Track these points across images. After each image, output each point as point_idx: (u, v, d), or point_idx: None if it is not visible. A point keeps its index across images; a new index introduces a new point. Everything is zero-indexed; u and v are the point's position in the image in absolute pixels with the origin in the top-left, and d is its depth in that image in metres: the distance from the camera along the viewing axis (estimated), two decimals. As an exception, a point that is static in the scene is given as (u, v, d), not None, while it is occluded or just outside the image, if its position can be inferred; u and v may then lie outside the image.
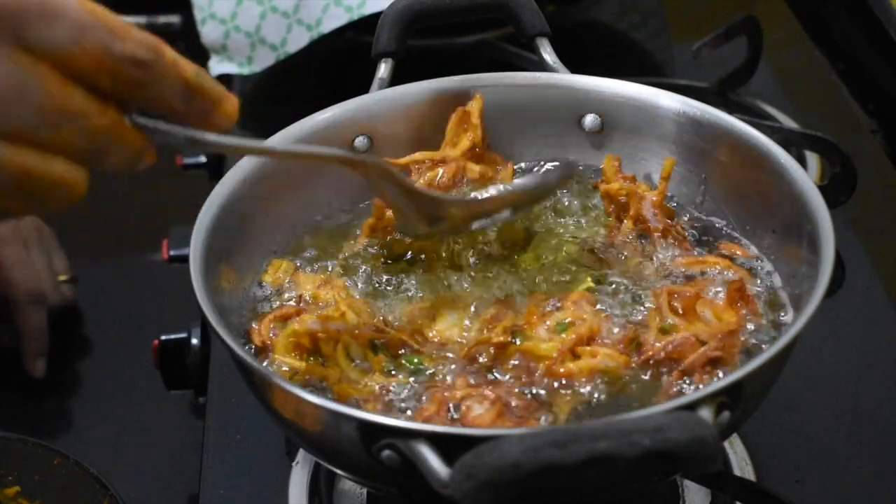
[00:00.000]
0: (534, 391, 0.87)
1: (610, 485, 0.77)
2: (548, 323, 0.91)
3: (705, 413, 0.77)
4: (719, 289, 0.94)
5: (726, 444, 1.04)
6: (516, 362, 0.89)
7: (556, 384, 0.87)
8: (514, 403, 0.85)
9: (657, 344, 0.88)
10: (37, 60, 0.69)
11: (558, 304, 0.93)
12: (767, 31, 1.45)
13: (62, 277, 1.34)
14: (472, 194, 1.00)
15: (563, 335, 0.89)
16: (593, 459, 0.69)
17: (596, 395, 0.87)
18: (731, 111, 1.05)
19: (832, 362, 1.14)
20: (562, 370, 0.87)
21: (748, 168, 1.00)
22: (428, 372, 0.89)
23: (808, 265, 0.90)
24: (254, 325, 0.94)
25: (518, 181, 1.04)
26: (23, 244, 1.30)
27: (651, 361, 0.88)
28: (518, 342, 0.90)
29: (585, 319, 0.91)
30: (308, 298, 0.95)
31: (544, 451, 0.68)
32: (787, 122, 1.43)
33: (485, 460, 0.69)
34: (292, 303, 0.96)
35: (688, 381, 0.86)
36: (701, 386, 0.85)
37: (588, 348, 0.89)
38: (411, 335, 0.91)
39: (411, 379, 0.88)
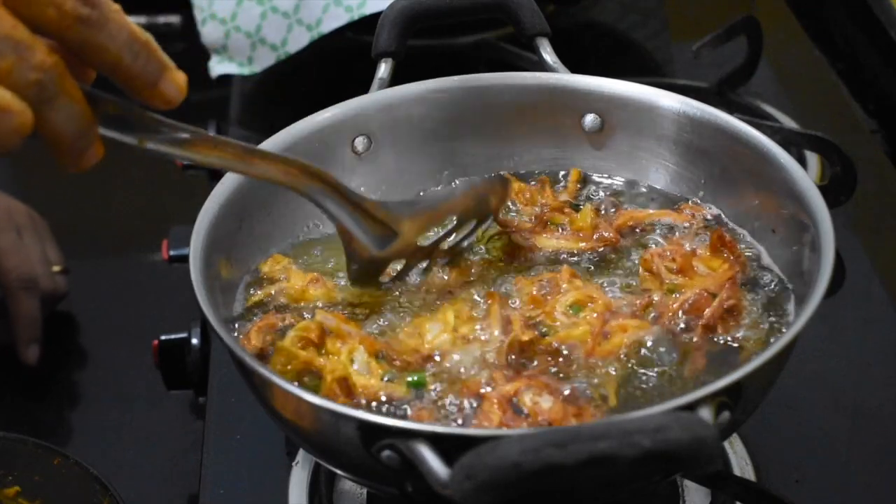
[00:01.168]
0: (572, 378, 0.88)
1: (610, 485, 0.77)
2: (558, 308, 0.92)
3: (705, 413, 0.77)
4: (695, 245, 0.98)
5: (726, 444, 1.04)
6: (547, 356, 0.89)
7: (594, 366, 0.88)
8: (566, 392, 0.85)
9: (674, 304, 0.91)
10: None
11: (548, 287, 0.94)
12: (767, 31, 1.45)
13: (55, 268, 1.34)
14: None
15: (581, 316, 0.91)
16: (593, 459, 0.68)
17: (633, 367, 0.88)
18: (731, 111, 1.05)
19: (832, 362, 1.14)
20: (600, 350, 0.88)
21: (748, 168, 1.00)
22: (433, 388, 0.88)
23: (808, 265, 0.90)
24: (242, 337, 0.94)
25: (456, 187, 1.04)
26: (16, 231, 1.30)
27: (671, 323, 0.90)
28: (547, 333, 0.90)
29: (595, 297, 0.92)
30: (285, 303, 0.96)
31: (544, 451, 0.68)
32: (787, 122, 1.43)
33: (485, 460, 0.69)
34: (274, 307, 0.97)
35: (713, 337, 0.90)
36: (728, 337, 0.90)
37: (616, 324, 0.90)
38: (411, 353, 0.90)
39: (412, 392, 0.88)
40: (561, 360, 0.89)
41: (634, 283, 0.96)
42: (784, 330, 0.90)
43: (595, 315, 0.91)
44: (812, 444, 1.07)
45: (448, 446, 0.75)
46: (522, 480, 0.68)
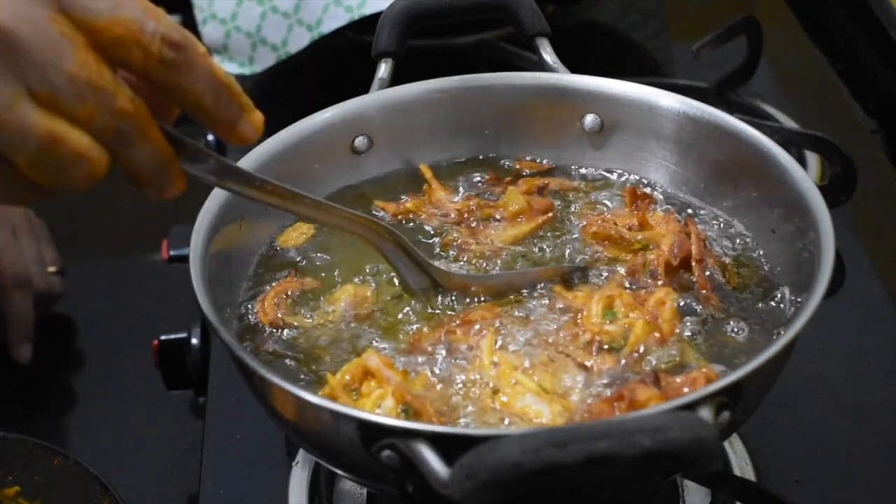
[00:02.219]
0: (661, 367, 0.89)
1: (610, 485, 0.77)
2: (596, 321, 0.92)
3: (705, 413, 0.77)
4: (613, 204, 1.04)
5: (726, 444, 1.04)
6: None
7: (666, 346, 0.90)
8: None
9: (665, 252, 0.95)
10: (75, 28, 0.71)
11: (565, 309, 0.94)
12: (767, 31, 1.45)
13: (51, 269, 1.34)
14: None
15: (617, 317, 0.92)
16: (593, 459, 0.68)
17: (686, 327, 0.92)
18: (731, 111, 1.05)
19: (832, 362, 1.14)
20: (666, 332, 0.91)
21: (748, 168, 1.00)
22: None
23: (808, 265, 0.90)
24: (255, 306, 0.95)
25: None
26: (11, 230, 1.30)
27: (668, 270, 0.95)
28: (618, 348, 0.90)
29: (611, 294, 0.93)
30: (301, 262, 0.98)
31: (544, 451, 0.68)
32: (787, 122, 1.43)
33: (485, 460, 0.69)
34: (285, 274, 0.98)
35: (708, 273, 0.95)
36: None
37: (652, 302, 0.92)
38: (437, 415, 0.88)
39: None
40: (639, 359, 0.90)
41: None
42: (783, 330, 0.90)
43: (625, 308, 0.92)
44: (812, 444, 1.07)
45: (448, 446, 0.75)
46: (523, 480, 0.68)
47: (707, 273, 0.96)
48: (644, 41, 1.68)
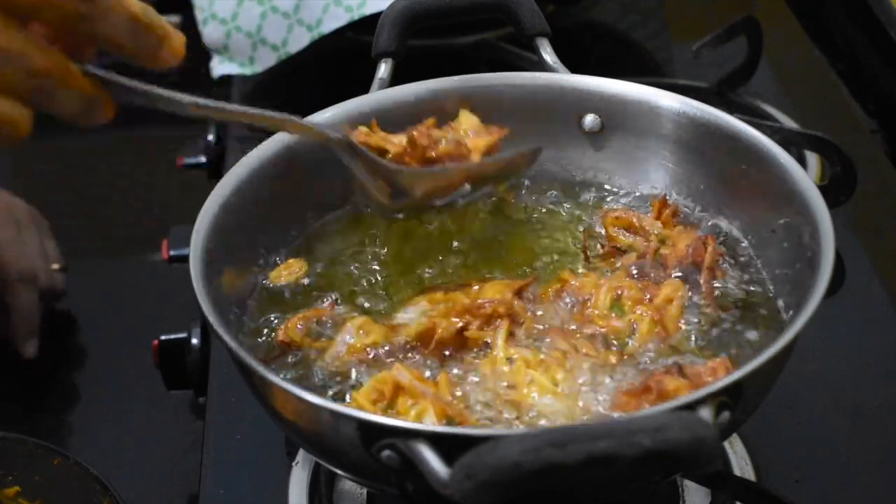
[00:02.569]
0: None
1: (610, 485, 0.77)
2: (602, 314, 0.93)
3: (705, 413, 0.77)
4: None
5: (726, 444, 1.04)
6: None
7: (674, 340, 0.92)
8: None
9: (682, 249, 0.97)
10: None
11: (574, 299, 0.95)
12: (767, 31, 1.45)
13: (54, 266, 1.34)
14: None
15: (624, 311, 0.93)
16: (593, 459, 0.68)
17: (690, 322, 0.93)
18: (731, 111, 1.05)
19: (832, 362, 1.14)
20: (670, 328, 0.92)
21: (748, 168, 1.00)
22: None
23: (808, 265, 0.90)
24: (279, 324, 0.95)
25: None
26: (15, 226, 1.30)
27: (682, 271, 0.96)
28: (624, 344, 0.91)
29: (620, 286, 0.94)
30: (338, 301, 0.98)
31: (544, 451, 0.68)
32: (787, 122, 1.43)
33: (485, 460, 0.69)
34: (325, 304, 0.98)
35: (715, 282, 0.96)
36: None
37: (660, 299, 0.93)
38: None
39: None
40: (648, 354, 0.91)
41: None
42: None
43: (631, 303, 0.93)
44: (812, 444, 1.07)
45: (448, 446, 0.75)
46: (523, 480, 0.68)
47: (715, 284, 0.96)
48: (644, 41, 1.68)
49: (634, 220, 1.01)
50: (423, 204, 0.98)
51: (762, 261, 0.99)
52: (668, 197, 1.04)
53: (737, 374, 0.79)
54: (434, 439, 0.76)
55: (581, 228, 1.04)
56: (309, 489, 1.02)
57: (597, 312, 0.93)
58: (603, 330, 0.92)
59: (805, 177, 0.94)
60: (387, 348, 0.92)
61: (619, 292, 0.94)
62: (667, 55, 1.67)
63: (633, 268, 0.97)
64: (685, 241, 0.98)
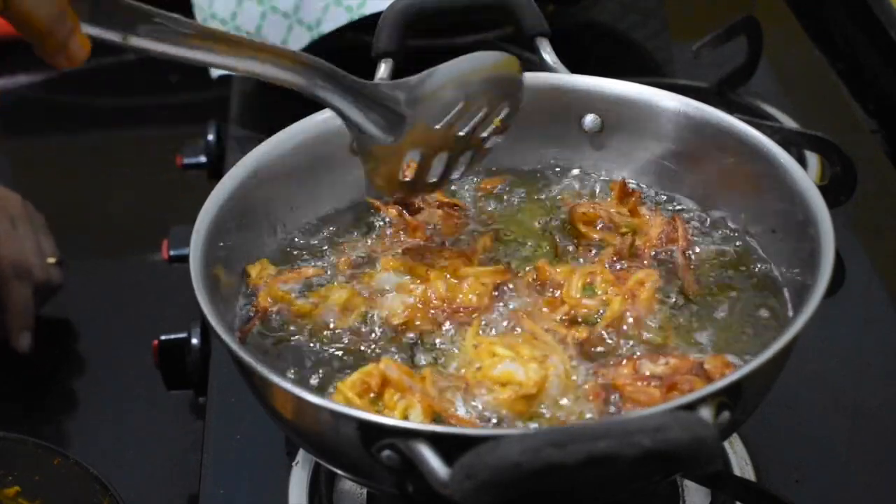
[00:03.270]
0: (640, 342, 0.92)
1: (610, 485, 0.77)
2: (575, 296, 0.94)
3: (705, 413, 0.77)
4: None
5: (726, 444, 1.04)
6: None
7: (645, 324, 0.93)
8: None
9: (654, 238, 0.99)
10: None
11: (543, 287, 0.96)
12: (767, 31, 1.45)
13: (50, 259, 1.34)
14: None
15: (600, 292, 0.94)
16: (593, 459, 0.68)
17: (665, 306, 0.94)
18: (731, 111, 1.05)
19: (832, 362, 1.14)
20: (644, 311, 0.93)
21: (748, 168, 1.00)
22: None
23: (808, 265, 0.90)
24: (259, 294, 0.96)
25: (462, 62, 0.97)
26: (10, 221, 1.30)
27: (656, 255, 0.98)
28: (596, 321, 0.92)
29: (594, 271, 0.95)
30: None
31: (544, 451, 0.68)
32: (787, 122, 1.43)
33: (485, 460, 0.69)
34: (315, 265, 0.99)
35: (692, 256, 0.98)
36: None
37: (633, 281, 0.94)
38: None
39: None
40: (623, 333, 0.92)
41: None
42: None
43: (604, 285, 0.94)
44: (812, 444, 1.07)
45: (448, 446, 0.75)
46: (523, 480, 0.68)
47: (691, 265, 0.98)
48: (644, 41, 1.68)
49: (603, 213, 1.02)
50: (424, 132, 0.94)
51: (762, 260, 0.99)
52: (626, 181, 1.05)
53: (737, 374, 0.79)
54: (434, 439, 0.76)
55: (554, 222, 1.04)
56: (309, 489, 1.02)
57: (570, 294, 0.94)
58: (573, 310, 0.93)
59: (805, 177, 0.94)
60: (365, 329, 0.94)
61: (593, 279, 0.95)
62: (667, 55, 1.67)
63: (608, 264, 0.98)
64: (656, 229, 0.99)
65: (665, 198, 1.06)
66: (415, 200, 1.03)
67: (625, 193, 1.03)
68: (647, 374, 0.87)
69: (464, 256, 0.98)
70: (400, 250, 0.99)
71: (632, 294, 0.93)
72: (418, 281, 0.96)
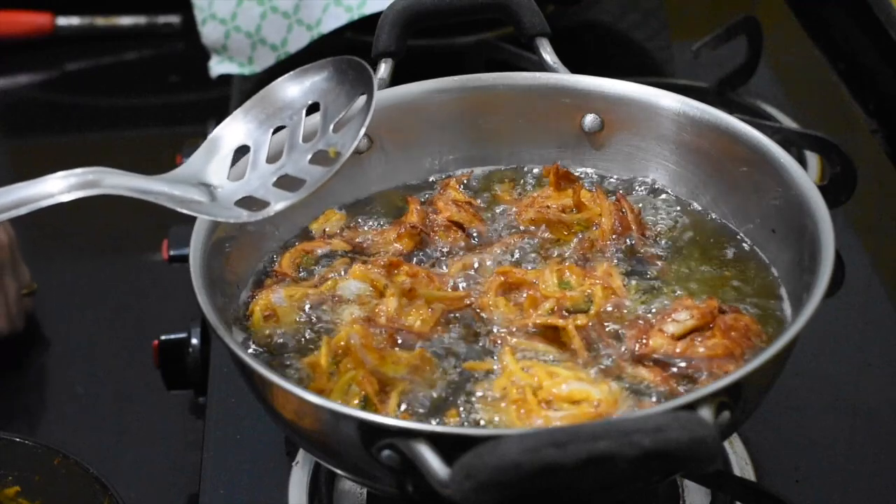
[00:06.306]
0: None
1: (610, 485, 0.77)
2: (553, 292, 0.94)
3: (705, 413, 0.77)
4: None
5: (726, 444, 1.04)
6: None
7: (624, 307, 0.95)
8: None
9: (606, 231, 0.99)
10: None
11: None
12: (767, 31, 1.45)
13: (24, 291, 1.32)
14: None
15: (573, 287, 0.95)
16: (593, 459, 0.69)
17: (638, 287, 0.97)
18: (731, 111, 1.05)
19: (832, 362, 1.14)
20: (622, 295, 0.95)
21: (748, 168, 1.00)
22: None
23: (808, 265, 0.90)
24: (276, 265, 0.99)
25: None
26: None
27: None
28: (585, 309, 0.93)
29: (562, 268, 0.96)
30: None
31: (544, 451, 0.68)
32: (787, 122, 1.43)
33: (485, 460, 0.69)
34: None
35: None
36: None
37: (602, 269, 0.96)
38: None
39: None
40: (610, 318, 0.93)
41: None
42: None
43: (577, 278, 0.95)
44: (812, 444, 1.07)
45: (448, 446, 0.75)
46: (522, 480, 0.68)
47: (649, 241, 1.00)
48: (644, 41, 1.68)
49: (550, 215, 1.02)
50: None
51: (762, 261, 0.99)
52: (559, 165, 1.05)
53: (737, 374, 0.79)
54: (434, 439, 0.76)
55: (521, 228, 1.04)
56: (309, 489, 1.03)
57: (549, 290, 0.94)
58: (559, 302, 0.93)
59: (805, 177, 0.94)
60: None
61: (564, 274, 0.96)
62: (667, 55, 1.67)
63: (570, 262, 0.98)
64: (608, 218, 1.00)
65: (664, 197, 1.06)
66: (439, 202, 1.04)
67: (562, 179, 1.03)
68: (682, 330, 0.88)
69: (430, 277, 0.97)
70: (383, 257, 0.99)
71: (605, 282, 0.94)
72: (376, 294, 0.96)
